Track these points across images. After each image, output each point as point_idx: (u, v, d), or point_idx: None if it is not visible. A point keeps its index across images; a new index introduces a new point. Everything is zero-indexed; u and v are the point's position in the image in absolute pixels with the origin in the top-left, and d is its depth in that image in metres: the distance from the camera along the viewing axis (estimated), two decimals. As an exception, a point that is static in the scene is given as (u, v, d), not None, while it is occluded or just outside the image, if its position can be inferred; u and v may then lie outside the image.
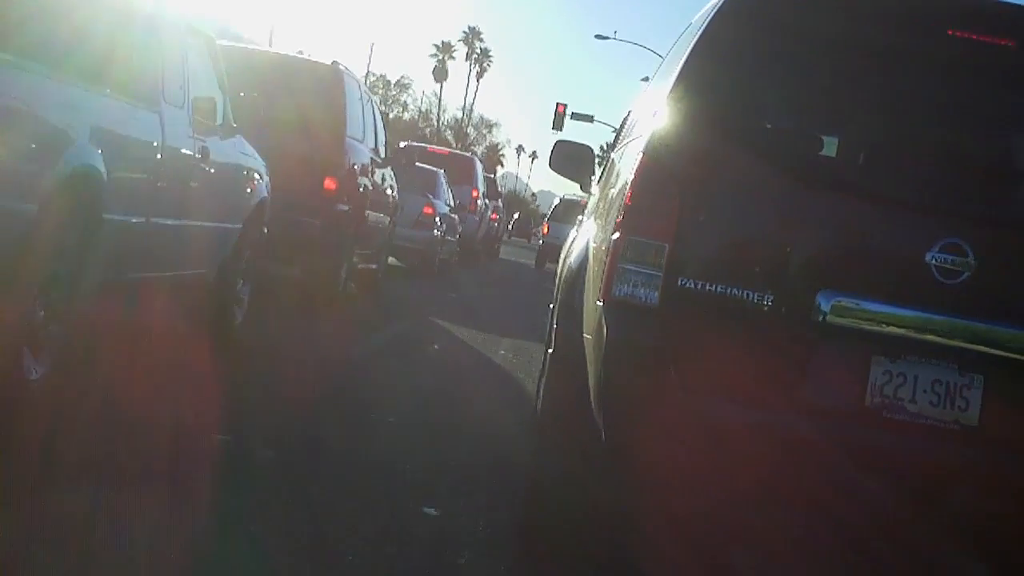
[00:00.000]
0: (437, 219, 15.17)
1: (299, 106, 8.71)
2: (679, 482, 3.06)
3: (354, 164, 9.25)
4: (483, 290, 17.02)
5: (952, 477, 3.01)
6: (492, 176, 30.07)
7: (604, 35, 40.19)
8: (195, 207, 5.66)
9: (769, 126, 3.37)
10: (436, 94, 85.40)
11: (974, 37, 3.22)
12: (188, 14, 5.71)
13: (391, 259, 14.49)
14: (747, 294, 3.02)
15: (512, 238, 64.09)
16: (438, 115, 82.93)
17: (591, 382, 3.18)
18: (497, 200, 28.36)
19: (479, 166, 23.03)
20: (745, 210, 3.10)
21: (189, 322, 6.32)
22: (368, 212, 9.88)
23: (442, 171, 17.07)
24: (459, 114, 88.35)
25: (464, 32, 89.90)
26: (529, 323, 10.16)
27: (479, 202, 21.77)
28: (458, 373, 7.58)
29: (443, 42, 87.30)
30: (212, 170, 5.84)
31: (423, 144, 28.01)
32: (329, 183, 8.57)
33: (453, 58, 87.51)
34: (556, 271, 5.45)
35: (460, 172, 20.59)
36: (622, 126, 5.14)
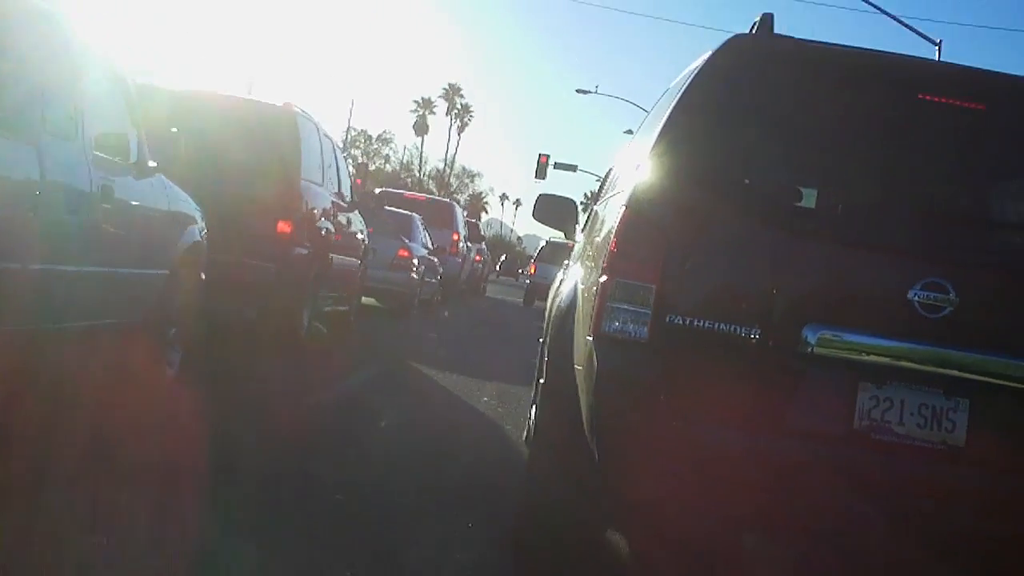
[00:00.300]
0: (414, 261, 15.32)
1: (253, 149, 8.52)
2: (671, 507, 3.15)
3: (312, 207, 9.13)
4: (468, 329, 16.65)
5: (940, 495, 3.10)
6: (475, 221, 30.92)
7: (585, 89, 40.43)
8: (96, 251, 5.06)
9: (747, 180, 3.52)
10: (417, 147, 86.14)
11: (943, 100, 3.43)
12: (103, 52, 5.37)
13: (372, 300, 14.83)
14: (735, 328, 3.14)
15: (500, 277, 64.71)
16: (420, 165, 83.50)
17: (584, 411, 3.29)
18: (480, 243, 29.09)
19: (458, 211, 23.37)
20: (729, 254, 3.26)
21: (106, 377, 5.45)
22: (333, 255, 9.81)
23: (417, 215, 17.37)
24: (441, 166, 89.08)
25: (444, 89, 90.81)
26: (517, 362, 9.73)
27: (460, 244, 22.14)
28: (431, 428, 6.50)
29: (423, 98, 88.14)
30: (119, 211, 5.21)
31: (400, 191, 28.45)
32: (283, 226, 8.42)
33: (434, 113, 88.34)
34: (545, 307, 5.56)
35: (439, 217, 21.11)
36: (605, 179, 5.31)
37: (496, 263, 78.40)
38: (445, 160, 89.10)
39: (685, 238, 3.24)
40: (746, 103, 3.51)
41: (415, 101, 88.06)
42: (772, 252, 3.23)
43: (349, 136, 75.12)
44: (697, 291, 3.22)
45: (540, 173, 34.47)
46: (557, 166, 38.62)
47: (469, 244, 24.52)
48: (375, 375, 8.67)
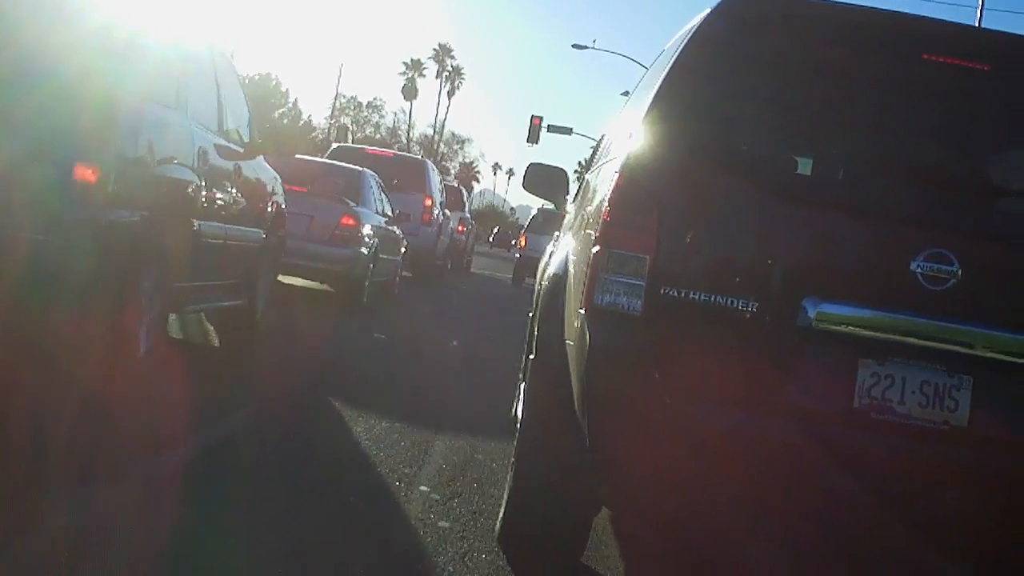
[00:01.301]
0: (364, 231, 11.55)
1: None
2: (664, 486, 3.05)
3: (150, 143, 5.26)
4: (437, 318, 13.07)
5: (942, 477, 3.00)
6: (456, 185, 27.17)
7: (582, 44, 39.96)
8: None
9: (745, 145, 3.39)
10: (406, 112, 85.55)
11: (947, 60, 3.30)
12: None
13: (320, 283, 11.94)
14: (731, 301, 3.04)
15: (493, 249, 63.74)
16: (408, 131, 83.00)
17: (574, 387, 3.19)
18: (463, 210, 24.96)
19: (432, 170, 19.29)
20: (726, 224, 3.14)
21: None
22: (199, 222, 5.94)
23: (369, 171, 13.31)
24: (430, 132, 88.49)
25: (434, 50, 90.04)
26: (503, 379, 7.15)
27: (434, 212, 18.14)
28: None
29: (412, 60, 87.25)
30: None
31: (360, 145, 24.67)
32: (84, 172, 4.76)
33: (423, 76, 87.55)
34: (535, 285, 5.45)
35: (407, 177, 17.46)
36: (598, 146, 5.20)
37: (489, 235, 78.41)
38: (434, 125, 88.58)
39: (680, 207, 3.13)
40: (744, 65, 3.37)
41: (404, 63, 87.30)
42: (770, 222, 3.11)
43: (338, 103, 74.61)
44: (692, 262, 3.11)
45: (532, 136, 33.95)
46: (551, 129, 37.91)
47: (448, 212, 20.58)
48: (232, 431, 5.07)
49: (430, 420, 5.92)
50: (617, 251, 3.10)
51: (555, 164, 5.43)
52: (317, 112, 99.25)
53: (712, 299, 3.04)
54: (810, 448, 2.98)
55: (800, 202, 3.14)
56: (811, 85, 3.39)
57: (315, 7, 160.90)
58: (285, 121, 58.94)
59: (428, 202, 17.72)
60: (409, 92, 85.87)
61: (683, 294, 3.05)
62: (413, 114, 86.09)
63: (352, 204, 11.64)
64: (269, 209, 7.98)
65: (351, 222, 11.35)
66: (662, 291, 3.06)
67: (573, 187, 5.49)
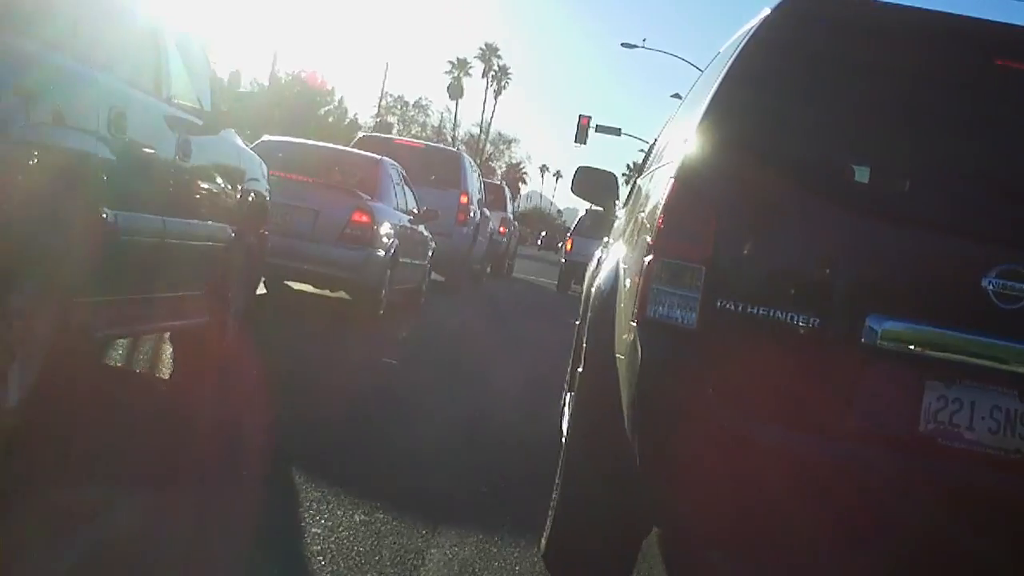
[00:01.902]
0: (381, 231, 9.67)
1: None
2: (716, 508, 2.92)
3: (20, 94, 3.60)
4: (466, 336, 11.02)
5: (1013, 509, 2.84)
6: (499, 183, 25.52)
7: (631, 43, 39.59)
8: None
9: (807, 152, 3.24)
10: (451, 111, 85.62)
11: (1022, 67, 3.13)
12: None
13: (329, 290, 10.37)
14: (791, 316, 2.89)
15: (541, 251, 63.44)
16: (452, 130, 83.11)
17: (624, 403, 3.06)
18: (505, 210, 23.03)
19: (469, 164, 17.10)
20: (786, 235, 3.00)
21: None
22: (115, 213, 4.30)
23: (390, 161, 11.38)
24: (476, 130, 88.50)
25: (481, 49, 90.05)
26: (545, 438, 5.36)
27: (471, 210, 16.07)
28: None
29: (458, 59, 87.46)
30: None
31: (388, 136, 22.31)
32: None
33: (469, 75, 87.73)
34: (583, 292, 5.34)
35: (441, 171, 15.55)
36: (650, 150, 5.08)
37: (537, 238, 78.42)
38: (480, 125, 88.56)
39: (739, 215, 2.99)
40: (806, 68, 3.22)
41: (450, 62, 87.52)
42: (833, 233, 2.96)
43: (385, 102, 74.85)
44: (751, 274, 2.96)
45: (580, 137, 33.71)
46: (599, 129, 37.63)
47: (486, 211, 18.48)
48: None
49: (428, 523, 4.00)
50: (672, 261, 2.97)
51: (604, 167, 5.37)
52: (363, 111, 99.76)
53: (771, 313, 2.90)
54: (873, 475, 2.84)
55: (866, 213, 2.99)
56: (876, 91, 3.23)
57: (361, 5, 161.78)
58: (331, 119, 59.18)
59: (463, 199, 15.67)
60: (455, 91, 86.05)
61: (741, 308, 2.91)
62: (459, 114, 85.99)
63: (366, 198, 9.75)
64: (243, 198, 6.07)
65: (364, 219, 9.44)
66: (719, 304, 2.92)
67: (623, 191, 5.39)
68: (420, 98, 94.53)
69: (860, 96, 3.23)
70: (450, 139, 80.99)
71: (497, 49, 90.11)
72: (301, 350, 7.77)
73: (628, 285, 3.30)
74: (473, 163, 18.36)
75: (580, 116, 33.95)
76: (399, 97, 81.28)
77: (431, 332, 10.79)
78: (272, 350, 7.23)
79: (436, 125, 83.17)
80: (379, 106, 73.68)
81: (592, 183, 5.17)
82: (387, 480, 4.51)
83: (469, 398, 7.03)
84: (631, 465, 2.98)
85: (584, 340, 3.72)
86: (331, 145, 12.99)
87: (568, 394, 4.89)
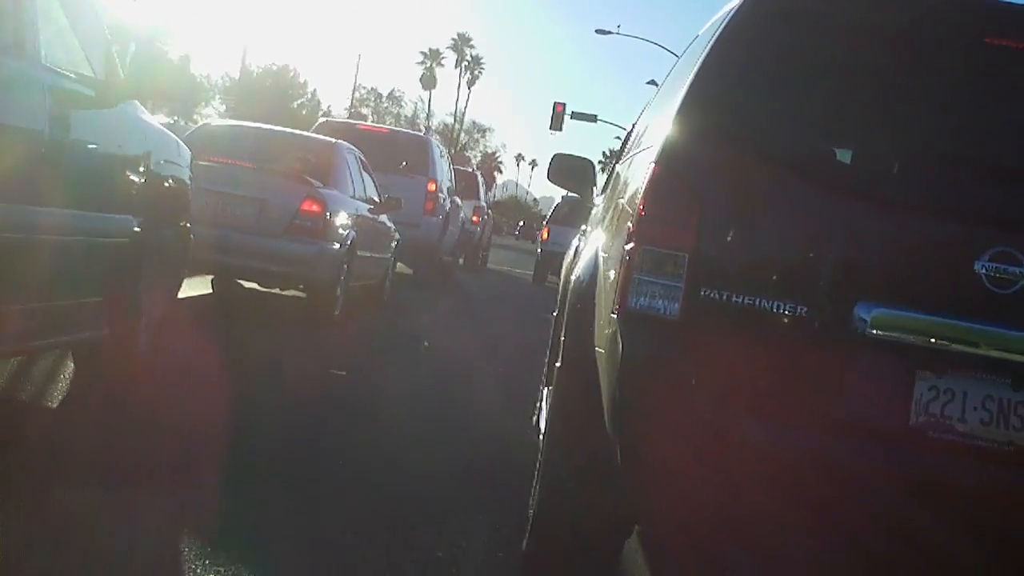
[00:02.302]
0: (335, 222, 8.67)
1: None
2: (701, 505, 2.80)
3: None
4: (432, 336, 9.47)
5: (1006, 502, 2.74)
6: (471, 170, 24.37)
7: (606, 30, 39.06)
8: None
9: (792, 135, 3.13)
10: (424, 100, 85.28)
11: (1012, 44, 3.02)
12: None
13: (279, 289, 9.35)
14: (777, 305, 2.78)
15: (519, 241, 63.06)
16: (426, 120, 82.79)
17: (604, 399, 2.94)
18: (478, 199, 21.82)
19: (437, 150, 16.01)
20: (771, 220, 2.88)
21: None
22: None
23: (347, 146, 10.26)
24: (450, 120, 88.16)
25: (453, 39, 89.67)
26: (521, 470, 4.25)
27: (440, 198, 14.94)
28: None
29: (431, 49, 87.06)
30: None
31: (352, 121, 21.22)
32: None
33: (442, 65, 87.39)
34: (560, 282, 5.22)
35: (407, 158, 14.47)
36: (628, 136, 4.97)
37: (515, 227, 78.33)
38: (455, 115, 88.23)
39: (722, 200, 2.87)
40: (790, 48, 3.09)
41: (422, 52, 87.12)
42: (820, 218, 2.85)
43: (359, 94, 74.49)
44: (735, 261, 2.84)
45: (555, 124, 33.39)
46: (575, 116, 37.15)
47: (458, 200, 17.49)
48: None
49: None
50: (653, 248, 2.85)
51: (580, 154, 5.26)
52: (337, 103, 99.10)
53: (757, 302, 2.79)
54: (862, 469, 2.73)
55: (853, 197, 2.88)
56: (862, 71, 3.11)
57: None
58: (304, 112, 58.80)
59: (431, 187, 14.64)
60: (428, 82, 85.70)
61: (725, 297, 2.80)
62: (432, 105, 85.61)
63: (318, 185, 8.72)
64: (152, 185, 4.99)
65: (316, 208, 8.37)
66: (702, 293, 2.80)
67: (600, 179, 5.28)
68: (393, 90, 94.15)
69: (845, 77, 3.11)
70: (423, 129, 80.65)
71: (470, 39, 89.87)
72: (232, 362, 6.19)
73: (608, 275, 3.18)
74: (443, 149, 17.51)
75: (555, 103, 33.64)
76: (372, 89, 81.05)
77: (392, 335, 9.67)
78: (194, 364, 5.86)
79: (409, 116, 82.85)
80: (352, 98, 73.33)
81: (569, 170, 5.06)
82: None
83: (430, 421, 5.86)
84: (612, 463, 2.87)
85: (562, 333, 3.60)
86: (279, 128, 11.46)
87: (545, 389, 4.77)
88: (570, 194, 8.41)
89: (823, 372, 2.79)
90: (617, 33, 38.86)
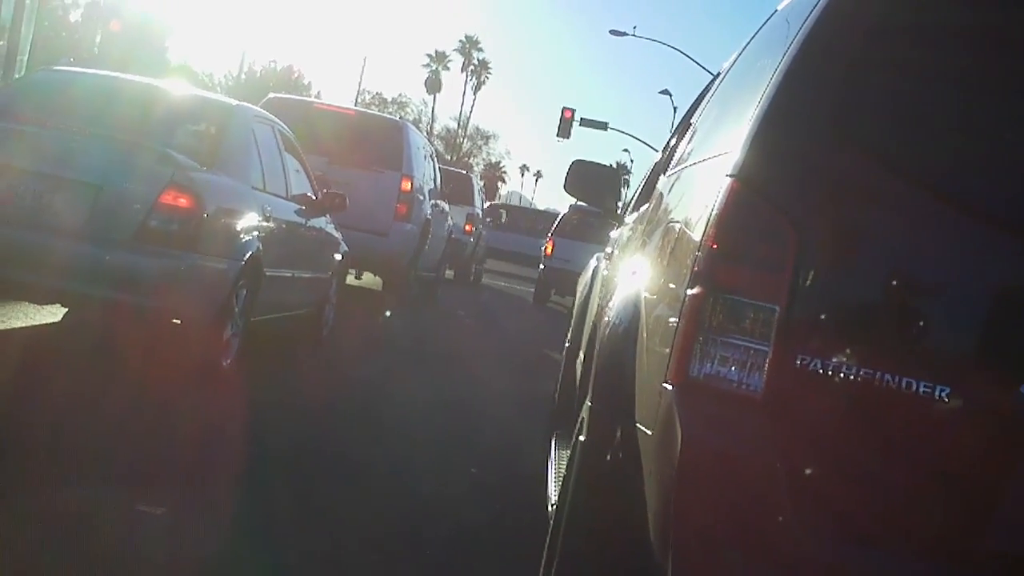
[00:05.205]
0: (226, 223, 5.84)
1: None
2: None
3: None
4: (380, 399, 6.31)
5: None
6: (464, 172, 21.58)
7: (621, 31, 37.60)
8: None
9: (924, 146, 2.26)
10: (427, 104, 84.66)
11: None
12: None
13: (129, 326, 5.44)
14: (906, 383, 1.94)
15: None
16: (429, 124, 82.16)
17: (651, 504, 2.10)
18: (472, 205, 18.71)
19: (416, 140, 12.45)
20: (903, 262, 2.07)
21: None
22: None
23: (256, 112, 7.19)
24: (454, 125, 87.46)
25: (461, 42, 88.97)
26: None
27: (418, 200, 11.67)
28: None
29: (436, 52, 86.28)
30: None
31: (309, 99, 18.65)
32: None
33: (448, 69, 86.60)
34: (571, 309, 4.40)
35: (375, 146, 11.32)
36: (670, 144, 4.12)
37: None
38: (459, 120, 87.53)
39: (831, 233, 2.06)
40: (905, 35, 2.26)
41: (428, 55, 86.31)
42: (973, 263, 2.02)
43: (364, 98, 73.83)
44: (846, 319, 2.03)
45: (563, 130, 32.42)
46: (584, 123, 35.74)
47: (445, 205, 14.34)
48: None
49: None
50: (729, 296, 2.02)
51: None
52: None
53: (876, 377, 1.95)
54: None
55: (1007, 239, 2.04)
56: (992, 63, 2.26)
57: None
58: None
59: (406, 185, 11.22)
60: (433, 85, 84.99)
61: (831, 368, 1.96)
62: (437, 109, 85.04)
63: (193, 167, 5.63)
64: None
65: (183, 202, 5.33)
66: (798, 361, 1.97)
67: (624, 192, 4.47)
68: (399, 95, 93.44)
69: (975, 70, 2.26)
70: (426, 133, 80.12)
71: (478, 42, 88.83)
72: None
73: (656, 327, 2.32)
74: (426, 141, 14.05)
75: (564, 109, 32.61)
76: (377, 94, 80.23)
77: (308, 404, 5.91)
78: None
79: (415, 120, 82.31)
80: (355, 101, 72.68)
81: (590, 180, 4.39)
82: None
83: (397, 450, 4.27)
84: None
85: (588, 394, 2.73)
86: (149, 80, 7.36)
87: (554, 445, 3.91)
88: (579, 203, 7.14)
89: (971, 481, 1.95)
90: (633, 35, 37.53)
